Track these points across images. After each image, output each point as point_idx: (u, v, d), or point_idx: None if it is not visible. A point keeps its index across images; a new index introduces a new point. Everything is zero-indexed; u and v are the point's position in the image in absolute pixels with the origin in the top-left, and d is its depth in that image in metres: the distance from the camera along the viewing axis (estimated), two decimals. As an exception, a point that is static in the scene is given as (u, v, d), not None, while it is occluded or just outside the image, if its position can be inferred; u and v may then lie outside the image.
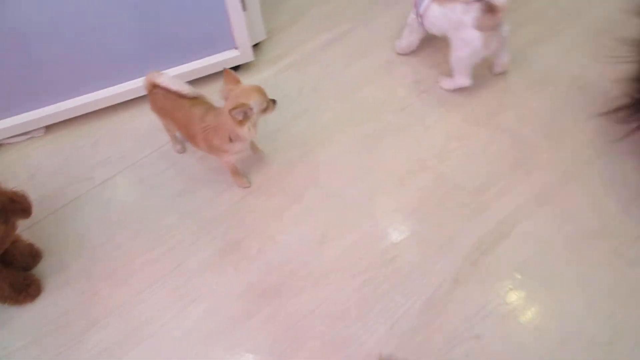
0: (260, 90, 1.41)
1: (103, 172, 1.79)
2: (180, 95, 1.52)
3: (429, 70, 1.94)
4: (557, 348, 1.33)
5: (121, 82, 1.89)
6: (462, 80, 1.79)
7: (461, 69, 1.77)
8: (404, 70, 1.96)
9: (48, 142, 1.89)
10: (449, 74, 1.85)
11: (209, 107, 1.51)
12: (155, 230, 1.64)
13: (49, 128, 1.91)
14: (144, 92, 1.87)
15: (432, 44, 2.00)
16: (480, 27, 1.61)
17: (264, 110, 1.43)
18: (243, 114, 1.37)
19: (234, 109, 1.35)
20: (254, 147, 1.74)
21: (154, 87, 1.56)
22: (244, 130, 1.41)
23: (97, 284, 1.54)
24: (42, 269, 1.57)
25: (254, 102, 1.38)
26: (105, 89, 1.89)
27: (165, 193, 1.72)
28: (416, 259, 1.50)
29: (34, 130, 1.89)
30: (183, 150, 1.81)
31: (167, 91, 1.53)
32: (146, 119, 1.90)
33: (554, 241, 1.51)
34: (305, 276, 1.50)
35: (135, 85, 1.88)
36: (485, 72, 1.90)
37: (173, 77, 1.55)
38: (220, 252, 1.57)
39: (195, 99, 1.53)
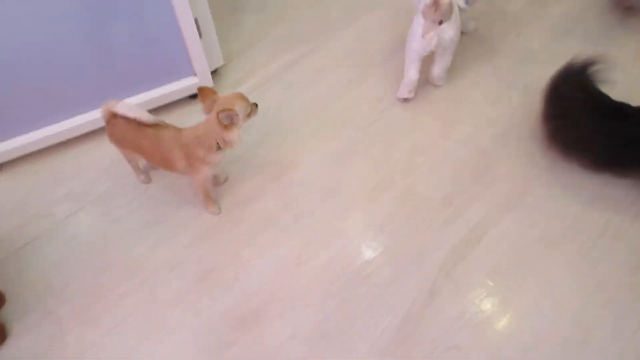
0: (242, 97, 1.44)
1: (65, 207, 1.73)
2: (141, 123, 1.50)
3: (389, 89, 1.98)
4: (533, 350, 1.37)
5: (79, 114, 1.85)
6: (406, 72, 1.84)
7: (407, 60, 1.83)
8: (365, 88, 1.99)
9: (4, 180, 1.82)
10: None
11: (176, 128, 1.50)
12: (124, 264, 1.59)
13: (4, 165, 1.84)
14: (103, 124, 1.85)
15: (392, 63, 2.05)
16: (424, 14, 1.68)
17: (249, 115, 1.45)
18: (230, 118, 1.38)
19: (221, 111, 1.36)
20: (217, 178, 1.73)
21: (112, 117, 1.53)
22: (234, 134, 1.42)
23: (66, 325, 1.48)
24: (6, 313, 1.50)
25: (239, 108, 1.41)
26: (62, 122, 1.84)
27: (132, 225, 1.68)
28: (391, 274, 1.52)
29: (-12, 168, 1.82)
30: (148, 180, 1.77)
31: (128, 120, 1.50)
32: (108, 150, 1.84)
33: (521, 246, 1.55)
34: (283, 299, 1.49)
35: (94, 117, 1.84)
36: (443, 87, 1.96)
37: (131, 105, 1.53)
38: (194, 281, 1.54)
39: (156, 125, 1.51)
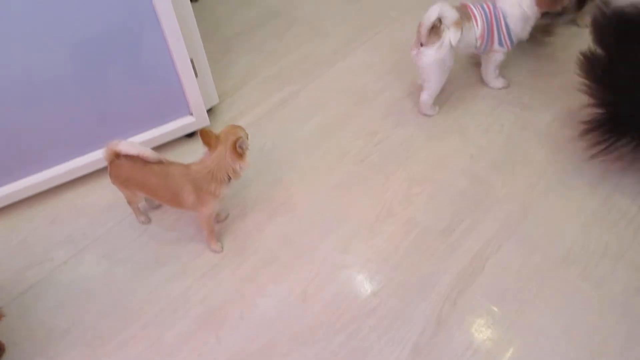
0: (238, 126, 1.49)
1: (64, 251, 1.71)
2: (146, 161, 1.50)
3: (383, 122, 2.01)
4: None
5: (76, 157, 1.85)
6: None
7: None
8: (359, 122, 2.02)
9: (1, 225, 1.79)
10: (400, 124, 1.96)
11: (183, 164, 1.51)
12: (126, 307, 1.57)
13: (0, 211, 1.82)
14: (100, 165, 1.85)
15: (384, 96, 2.10)
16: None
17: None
18: (242, 145, 1.44)
19: (238, 139, 1.41)
20: (219, 216, 1.73)
21: (115, 157, 1.53)
22: (247, 160, 1.47)
23: (69, 372, 1.45)
24: (5, 364, 1.46)
25: (244, 134, 1.48)
26: (58, 165, 1.83)
27: (134, 266, 1.66)
28: (397, 306, 1.51)
29: (-16, 215, 1.80)
30: (148, 220, 1.77)
31: (132, 159, 1.51)
32: (105, 191, 1.85)
33: (525, 271, 1.57)
34: (289, 337, 1.47)
35: (90, 159, 1.84)
36: (435, 117, 2.00)
37: (134, 143, 1.53)
38: (199, 322, 1.52)
39: (162, 162, 1.52)
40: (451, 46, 1.75)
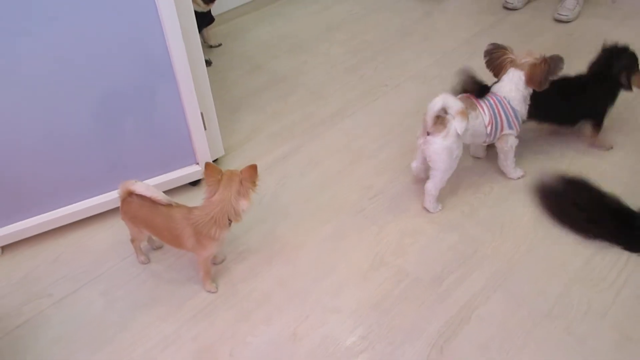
0: (236, 171, 1.55)
1: (63, 287, 1.76)
2: (155, 202, 1.59)
3: (377, 178, 2.12)
4: None
5: (83, 200, 1.94)
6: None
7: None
8: (354, 178, 2.13)
9: (4, 261, 1.85)
10: (394, 180, 2.06)
11: (187, 208, 1.59)
12: (119, 343, 1.60)
13: (5, 248, 1.88)
14: (106, 208, 1.94)
15: (380, 156, 2.22)
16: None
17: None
18: (254, 186, 1.54)
19: (246, 177, 1.51)
20: (216, 258, 1.80)
21: (128, 195, 1.62)
22: (249, 201, 1.54)
23: (57, 404, 1.46)
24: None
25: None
26: (66, 207, 1.92)
27: (129, 304, 1.70)
28: (385, 350, 1.54)
29: (-11, 251, 1.86)
30: (147, 260, 1.83)
31: (143, 199, 1.60)
32: (108, 233, 1.93)
33: (510, 324, 1.60)
34: (278, 377, 1.49)
35: (98, 202, 1.93)
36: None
37: (148, 185, 1.63)
38: (192, 356, 1.54)
39: (169, 205, 1.60)
40: (458, 135, 1.76)
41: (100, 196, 1.94)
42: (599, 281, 1.71)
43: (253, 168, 1.54)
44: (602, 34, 2.89)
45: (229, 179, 1.53)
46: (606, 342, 1.55)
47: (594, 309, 1.63)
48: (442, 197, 2.02)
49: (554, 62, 1.82)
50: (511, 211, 1.97)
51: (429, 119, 1.75)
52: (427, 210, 1.97)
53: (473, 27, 3.08)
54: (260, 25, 3.24)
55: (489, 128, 1.87)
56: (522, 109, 1.92)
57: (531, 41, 2.87)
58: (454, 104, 1.73)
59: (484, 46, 1.95)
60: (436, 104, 1.71)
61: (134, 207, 1.63)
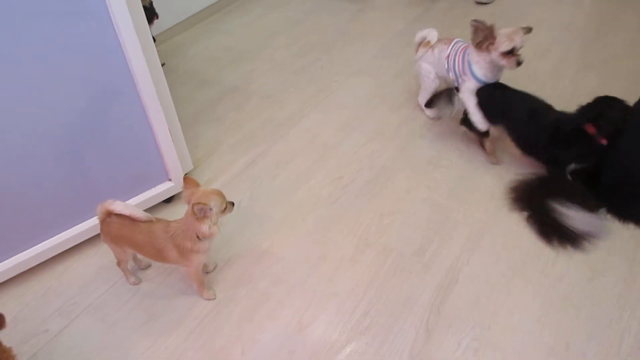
0: (219, 193, 1.56)
1: (58, 321, 1.74)
2: (135, 220, 1.61)
3: (346, 168, 2.22)
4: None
5: (62, 232, 1.91)
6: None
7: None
8: (323, 172, 2.22)
9: (-11, 306, 1.80)
10: (361, 168, 2.17)
11: (166, 222, 1.62)
12: (129, 364, 1.61)
13: (-14, 293, 1.84)
14: (85, 237, 1.93)
15: (340, 151, 2.33)
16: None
17: (223, 211, 1.57)
18: (203, 212, 1.50)
19: (196, 204, 1.48)
20: (206, 267, 1.83)
21: (107, 216, 1.63)
22: (204, 227, 1.53)
23: None
24: None
25: (214, 202, 1.52)
26: (45, 242, 1.88)
27: (130, 325, 1.71)
28: (387, 322, 1.64)
29: (-29, 298, 1.81)
30: (138, 281, 1.83)
31: (122, 218, 1.61)
32: (92, 260, 1.92)
33: (493, 278, 1.75)
34: (293, 364, 1.56)
35: (77, 232, 1.91)
36: (390, 159, 2.24)
37: (126, 203, 1.65)
38: (201, 367, 1.58)
39: (149, 221, 1.63)
40: (431, 59, 2.32)
41: (78, 226, 1.93)
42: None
43: (207, 196, 1.52)
44: (521, 11, 3.17)
45: (198, 196, 1.52)
46: (579, 277, 1.72)
47: (563, 251, 1.80)
48: (404, 177, 2.15)
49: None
50: (472, 179, 2.13)
51: (416, 45, 2.38)
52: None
53: (404, 19, 3.27)
54: (199, 41, 3.28)
55: (446, 61, 2.23)
56: (479, 70, 2.09)
57: (458, 25, 3.07)
58: (429, 36, 2.33)
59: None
60: (418, 35, 2.36)
61: (114, 227, 1.64)
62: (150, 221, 1.64)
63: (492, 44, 1.97)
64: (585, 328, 1.59)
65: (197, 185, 1.58)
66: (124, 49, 1.68)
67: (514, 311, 1.65)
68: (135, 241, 1.65)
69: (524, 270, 1.76)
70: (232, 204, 1.60)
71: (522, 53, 1.98)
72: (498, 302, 1.68)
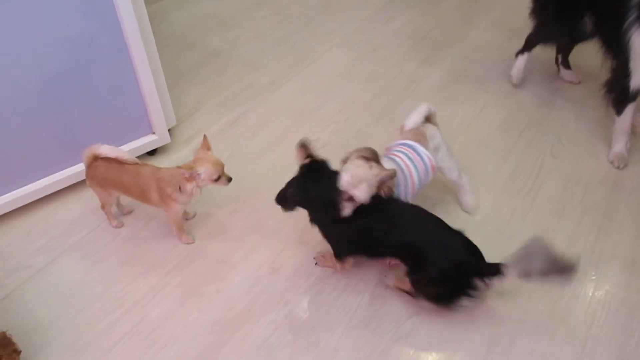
0: (216, 163, 1.67)
1: (42, 258, 1.83)
2: (121, 162, 1.71)
3: (322, 132, 2.34)
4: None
5: (44, 177, 1.99)
6: None
7: None
8: (301, 134, 2.25)
9: (-27, 244, 1.88)
10: (337, 132, 2.29)
11: (156, 167, 1.72)
12: (108, 297, 1.71)
13: (-29, 231, 1.91)
14: (68, 183, 2.01)
15: (320, 114, 2.44)
16: None
17: (215, 181, 1.68)
18: (189, 174, 1.62)
19: (182, 167, 1.60)
20: (187, 214, 1.94)
21: (94, 160, 1.73)
22: (188, 186, 1.66)
23: (60, 357, 1.55)
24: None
25: (205, 170, 1.64)
26: (28, 185, 1.96)
27: (112, 263, 1.81)
28: (352, 269, 1.77)
29: (-45, 235, 1.88)
30: (121, 224, 1.93)
31: (108, 161, 1.71)
32: (76, 205, 2.01)
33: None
34: (264, 301, 1.68)
35: (58, 178, 1.99)
36: (370, 118, 2.36)
37: (113, 147, 1.74)
38: (180, 300, 1.69)
39: (136, 164, 1.73)
40: None
41: (62, 172, 2.01)
42: (519, 190, 2.05)
43: (202, 162, 1.65)
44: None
45: (196, 159, 1.67)
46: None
47: (518, 213, 1.96)
48: (379, 142, 2.28)
49: None
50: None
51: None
52: None
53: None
54: (184, 6, 3.33)
55: None
56: None
57: (438, 4, 3.20)
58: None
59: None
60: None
61: (100, 171, 1.74)
62: (137, 164, 1.74)
63: None
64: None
65: (208, 149, 1.70)
66: (113, -2, 1.76)
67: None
68: (121, 182, 1.74)
69: (481, 227, 1.91)
70: (229, 179, 1.71)
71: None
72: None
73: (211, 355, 1.55)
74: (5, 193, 1.93)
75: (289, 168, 2.14)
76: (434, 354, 1.57)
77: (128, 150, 2.10)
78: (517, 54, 2.55)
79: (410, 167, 1.65)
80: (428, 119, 1.79)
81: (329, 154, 2.26)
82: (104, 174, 1.74)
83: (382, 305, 1.66)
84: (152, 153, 2.21)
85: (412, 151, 1.68)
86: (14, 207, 1.94)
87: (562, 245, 1.84)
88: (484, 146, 2.26)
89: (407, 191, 1.66)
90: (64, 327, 1.62)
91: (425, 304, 1.58)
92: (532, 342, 1.57)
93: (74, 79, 1.87)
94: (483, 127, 2.36)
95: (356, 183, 1.44)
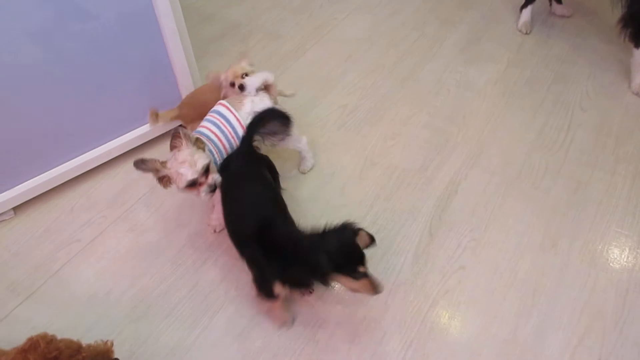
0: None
1: (88, 232, 1.87)
2: None
3: (348, 97, 2.35)
4: (521, 258, 1.70)
5: (85, 152, 2.02)
6: None
7: None
8: (328, 100, 2.35)
9: (21, 221, 1.92)
10: (364, 96, 2.30)
11: None
12: (160, 265, 1.76)
13: (17, 209, 1.95)
14: (105, 159, 2.04)
15: (345, 80, 2.45)
16: None
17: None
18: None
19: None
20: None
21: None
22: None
23: (119, 325, 1.61)
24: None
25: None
26: (70, 161, 1.99)
27: (160, 233, 1.85)
28: (394, 228, 1.81)
29: (2, 213, 1.92)
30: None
31: None
32: (116, 180, 2.05)
33: (489, 190, 1.92)
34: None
35: (98, 153, 2.02)
36: (391, 89, 2.37)
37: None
38: (229, 266, 1.74)
39: None
40: None
41: (102, 146, 2.04)
42: (551, 144, 2.07)
43: None
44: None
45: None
46: (564, 190, 1.91)
47: (551, 167, 1.98)
48: (406, 105, 2.30)
49: None
50: (469, 105, 2.28)
51: None
52: None
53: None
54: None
55: None
56: None
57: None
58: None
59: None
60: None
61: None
62: None
63: None
64: (571, 230, 1.78)
65: None
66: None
67: (508, 216, 1.83)
68: None
69: (516, 184, 1.94)
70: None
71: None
72: (493, 209, 1.86)
73: (265, 317, 1.60)
74: (49, 169, 1.96)
75: (320, 134, 2.19)
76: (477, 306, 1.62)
77: (160, 122, 2.14)
78: (521, 9, 2.70)
79: (219, 135, 1.76)
80: (266, 88, 1.93)
81: (359, 120, 2.30)
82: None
83: (426, 264, 1.71)
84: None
85: (220, 119, 1.78)
86: (57, 183, 1.98)
87: (599, 195, 1.88)
88: (513, 103, 2.27)
89: (221, 156, 1.76)
90: (117, 300, 1.68)
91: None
92: None
93: (106, 54, 1.87)
94: (509, 84, 2.37)
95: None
